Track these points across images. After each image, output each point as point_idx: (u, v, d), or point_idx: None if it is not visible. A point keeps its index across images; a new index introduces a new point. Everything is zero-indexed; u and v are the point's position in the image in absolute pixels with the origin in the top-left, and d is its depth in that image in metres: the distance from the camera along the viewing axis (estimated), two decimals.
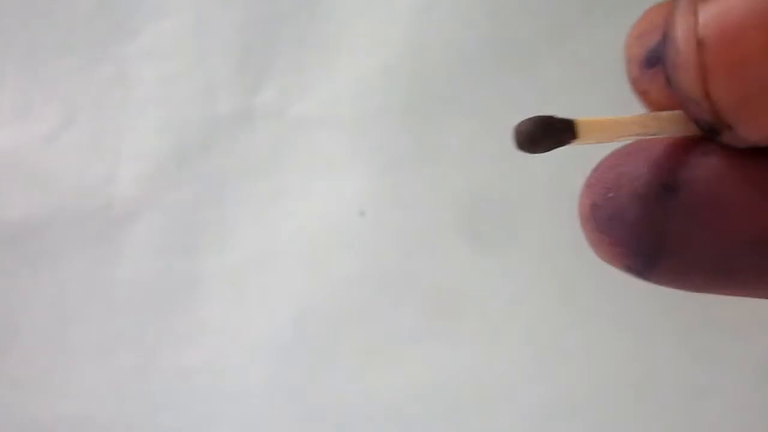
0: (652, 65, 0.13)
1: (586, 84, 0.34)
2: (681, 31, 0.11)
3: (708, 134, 0.11)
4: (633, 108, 0.15)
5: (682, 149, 0.12)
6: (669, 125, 0.13)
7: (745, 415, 0.34)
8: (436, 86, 0.34)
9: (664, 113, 0.13)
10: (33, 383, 0.35)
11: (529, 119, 0.13)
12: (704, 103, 0.11)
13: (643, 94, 0.13)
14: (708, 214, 0.12)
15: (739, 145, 0.11)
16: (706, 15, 0.11)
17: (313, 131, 0.34)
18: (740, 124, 0.11)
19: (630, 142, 0.14)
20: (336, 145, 0.34)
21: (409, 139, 0.34)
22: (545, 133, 0.13)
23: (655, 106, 0.13)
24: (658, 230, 0.13)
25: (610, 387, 0.34)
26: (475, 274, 0.34)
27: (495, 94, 0.34)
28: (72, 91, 0.34)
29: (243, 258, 0.34)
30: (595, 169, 0.14)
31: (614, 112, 0.15)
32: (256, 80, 0.34)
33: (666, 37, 0.11)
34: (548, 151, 0.13)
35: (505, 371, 0.34)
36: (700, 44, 0.11)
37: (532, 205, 0.34)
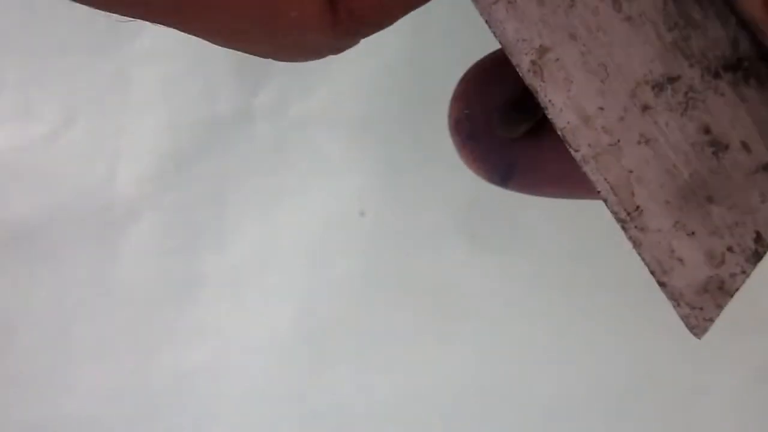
0: None
1: None
2: None
3: None
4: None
5: None
6: None
7: (745, 415, 0.34)
8: (436, 86, 0.34)
9: None
10: (33, 383, 0.35)
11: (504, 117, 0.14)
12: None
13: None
14: (554, 137, 0.14)
15: None
16: None
17: (313, 131, 0.34)
18: None
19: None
20: (336, 145, 0.34)
21: (409, 139, 0.34)
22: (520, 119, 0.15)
23: None
24: (511, 151, 0.14)
25: (610, 387, 0.34)
26: (475, 274, 0.34)
27: None
28: (72, 91, 0.34)
29: (243, 258, 0.34)
30: (461, 80, 0.15)
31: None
32: (256, 80, 0.34)
33: None
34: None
35: (505, 371, 0.34)
36: None
37: (532, 205, 0.34)
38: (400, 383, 0.34)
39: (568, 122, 0.15)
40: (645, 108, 0.15)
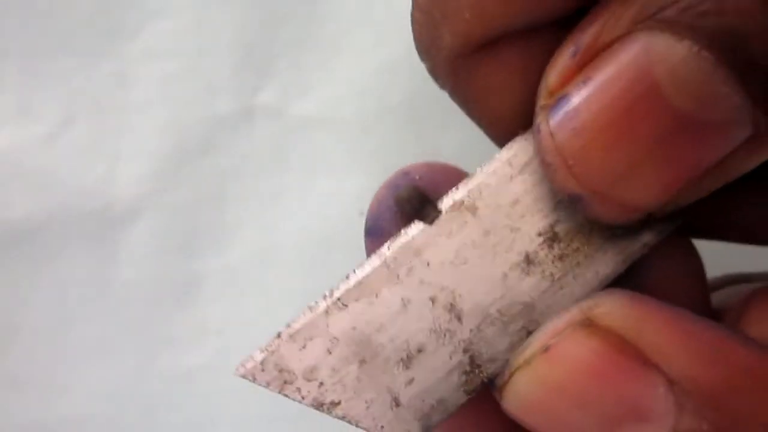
0: None
1: None
2: None
3: None
4: None
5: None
6: None
7: None
8: (436, 86, 0.34)
9: None
10: (33, 383, 0.35)
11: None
12: None
13: None
14: None
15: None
16: None
17: (313, 131, 0.34)
18: None
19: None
20: (336, 144, 0.34)
21: (409, 139, 0.34)
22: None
23: None
24: None
25: None
26: None
27: None
28: (72, 91, 0.34)
29: (243, 258, 0.34)
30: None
31: None
32: (256, 80, 0.34)
33: None
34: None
35: None
36: None
37: None
38: None
39: None
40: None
